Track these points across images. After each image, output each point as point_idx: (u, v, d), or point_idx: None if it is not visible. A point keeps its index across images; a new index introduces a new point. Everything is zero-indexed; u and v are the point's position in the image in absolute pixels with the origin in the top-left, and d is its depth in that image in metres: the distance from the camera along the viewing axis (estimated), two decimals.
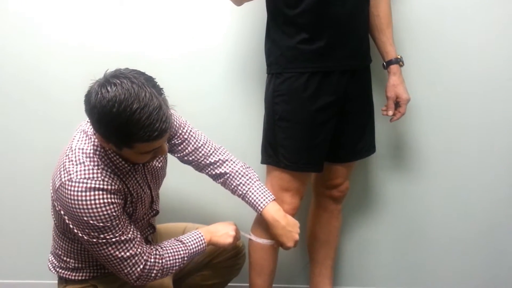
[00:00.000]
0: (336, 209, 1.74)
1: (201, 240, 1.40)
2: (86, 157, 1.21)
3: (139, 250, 1.26)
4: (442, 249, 1.94)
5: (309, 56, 1.43)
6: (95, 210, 1.17)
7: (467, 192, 1.88)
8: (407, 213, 1.91)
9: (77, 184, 1.16)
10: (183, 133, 1.43)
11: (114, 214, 1.20)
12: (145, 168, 1.35)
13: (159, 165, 1.41)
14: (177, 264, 1.34)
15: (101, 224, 1.18)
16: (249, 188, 1.46)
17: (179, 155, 1.46)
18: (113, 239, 1.21)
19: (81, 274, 1.38)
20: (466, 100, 1.81)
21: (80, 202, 1.16)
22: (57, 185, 1.20)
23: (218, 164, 1.48)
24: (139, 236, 1.28)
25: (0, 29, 1.76)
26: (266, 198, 1.45)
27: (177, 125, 1.42)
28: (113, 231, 1.20)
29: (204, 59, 1.77)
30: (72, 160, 1.20)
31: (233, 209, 1.80)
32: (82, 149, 1.22)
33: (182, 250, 1.36)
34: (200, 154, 1.46)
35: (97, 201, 1.17)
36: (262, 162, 1.56)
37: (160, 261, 1.30)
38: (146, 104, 1.07)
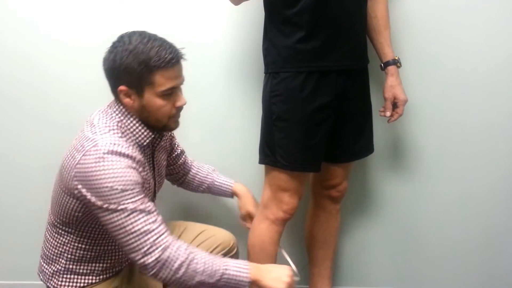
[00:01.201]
0: (335, 209, 1.74)
1: (244, 269, 1.20)
2: (110, 129, 1.25)
3: (160, 228, 1.17)
4: (441, 249, 1.93)
5: (306, 55, 1.43)
6: (117, 172, 1.16)
7: (465, 192, 1.88)
8: (406, 213, 1.92)
9: (102, 148, 1.18)
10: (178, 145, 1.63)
11: (135, 179, 1.19)
12: (154, 159, 1.39)
13: (164, 163, 1.47)
14: (206, 272, 1.16)
15: (121, 187, 1.16)
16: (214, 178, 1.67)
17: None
18: (132, 206, 1.16)
19: (70, 281, 1.35)
20: (464, 100, 1.81)
21: (104, 164, 1.16)
22: (77, 159, 1.20)
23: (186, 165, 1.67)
24: (161, 217, 1.21)
25: None
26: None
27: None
28: (133, 197, 1.17)
29: (202, 59, 1.77)
30: (95, 132, 1.23)
31: (231, 210, 1.83)
32: (105, 123, 1.26)
33: (219, 262, 1.19)
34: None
35: (121, 164, 1.17)
36: (260, 162, 1.57)
37: (187, 255, 1.16)
38: (154, 37, 1.26)
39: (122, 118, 1.29)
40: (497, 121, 1.82)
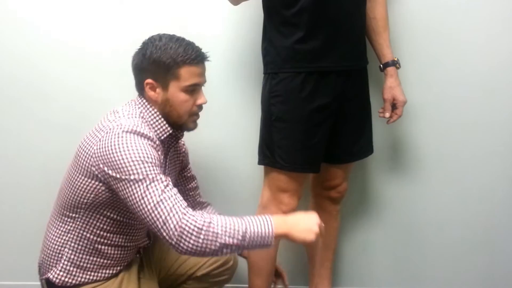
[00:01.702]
0: (335, 210, 1.74)
1: (268, 223, 1.16)
2: (133, 116, 1.32)
3: (177, 197, 1.17)
4: (441, 250, 1.93)
5: (305, 56, 1.43)
6: (138, 146, 1.21)
7: (465, 193, 1.88)
8: (405, 214, 1.92)
9: (124, 128, 1.24)
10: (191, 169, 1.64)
11: (155, 155, 1.23)
12: (167, 159, 1.42)
13: (175, 171, 1.52)
14: (227, 232, 1.13)
15: (142, 158, 1.19)
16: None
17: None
18: (152, 176, 1.17)
19: (70, 273, 1.35)
20: (463, 101, 1.81)
21: (125, 140, 1.21)
22: (99, 137, 1.25)
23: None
24: (176, 190, 1.21)
25: None
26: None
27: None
28: (154, 168, 1.19)
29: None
30: (119, 117, 1.30)
31: (231, 211, 1.82)
32: (129, 111, 1.33)
33: (240, 221, 1.16)
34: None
35: (141, 141, 1.23)
36: (259, 163, 1.57)
37: (205, 219, 1.14)
38: (183, 38, 1.36)
39: (144, 110, 1.35)
40: (497, 121, 1.82)
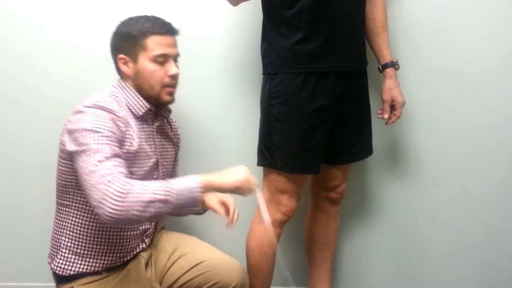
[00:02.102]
0: (334, 211, 1.74)
1: (193, 178, 1.21)
2: (101, 94, 1.35)
3: (112, 168, 1.17)
4: (440, 251, 1.93)
5: (304, 57, 1.43)
6: (93, 118, 1.24)
7: (465, 194, 1.88)
8: (405, 214, 1.92)
9: (86, 103, 1.28)
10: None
11: (110, 127, 1.24)
12: (154, 137, 1.42)
13: (168, 152, 1.50)
14: (150, 191, 1.14)
15: (92, 128, 1.22)
16: None
17: None
18: (95, 146, 1.19)
19: (69, 260, 1.36)
20: (462, 103, 1.81)
21: (84, 113, 1.25)
22: (67, 119, 1.30)
23: None
24: (123, 169, 1.20)
25: None
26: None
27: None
28: (99, 137, 1.21)
29: (200, 60, 1.78)
30: (85, 99, 1.32)
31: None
32: (100, 92, 1.37)
33: (163, 181, 1.20)
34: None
35: (99, 113, 1.25)
36: (258, 164, 1.56)
37: (126, 184, 1.14)
38: (152, 15, 1.40)
39: (118, 89, 1.39)
40: (496, 122, 1.82)
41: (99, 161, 1.17)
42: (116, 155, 1.21)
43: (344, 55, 1.46)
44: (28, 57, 1.77)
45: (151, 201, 1.14)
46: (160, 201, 1.15)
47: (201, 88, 1.80)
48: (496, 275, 1.95)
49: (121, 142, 1.28)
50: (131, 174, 1.29)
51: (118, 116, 1.29)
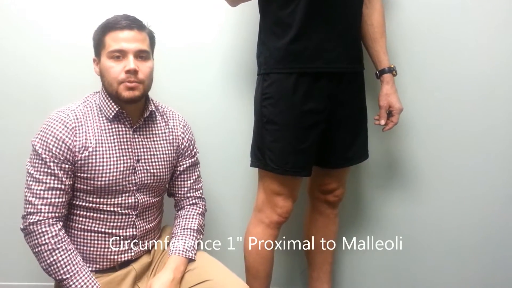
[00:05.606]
0: (332, 213, 1.73)
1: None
2: (75, 103, 1.38)
3: (30, 198, 1.29)
4: (439, 255, 1.92)
5: (297, 56, 1.42)
6: (40, 137, 1.30)
7: (463, 198, 1.87)
8: (403, 218, 1.91)
9: (50, 115, 1.34)
10: (194, 153, 1.54)
11: (55, 144, 1.29)
12: (132, 136, 1.39)
13: (159, 151, 1.45)
14: (59, 260, 1.27)
15: (36, 149, 1.29)
16: (177, 235, 1.47)
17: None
18: (30, 170, 1.30)
19: None
20: (460, 108, 1.81)
21: (42, 125, 1.32)
22: None
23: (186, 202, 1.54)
24: (51, 193, 1.29)
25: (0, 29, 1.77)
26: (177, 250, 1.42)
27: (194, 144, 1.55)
28: (37, 161, 1.29)
29: (198, 60, 1.78)
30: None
31: (226, 213, 1.83)
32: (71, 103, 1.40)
33: (77, 262, 1.30)
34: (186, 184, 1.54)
35: (49, 130, 1.30)
36: (251, 165, 1.56)
37: (56, 238, 1.28)
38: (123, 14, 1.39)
39: (93, 95, 1.41)
40: (494, 128, 1.81)
41: (28, 189, 1.30)
42: (45, 177, 1.28)
43: (338, 56, 1.45)
44: (28, 58, 1.78)
45: (49, 266, 1.28)
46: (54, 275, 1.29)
47: (198, 88, 1.81)
48: (496, 280, 1.92)
49: (72, 154, 1.31)
50: (93, 181, 1.32)
51: (69, 127, 1.31)
